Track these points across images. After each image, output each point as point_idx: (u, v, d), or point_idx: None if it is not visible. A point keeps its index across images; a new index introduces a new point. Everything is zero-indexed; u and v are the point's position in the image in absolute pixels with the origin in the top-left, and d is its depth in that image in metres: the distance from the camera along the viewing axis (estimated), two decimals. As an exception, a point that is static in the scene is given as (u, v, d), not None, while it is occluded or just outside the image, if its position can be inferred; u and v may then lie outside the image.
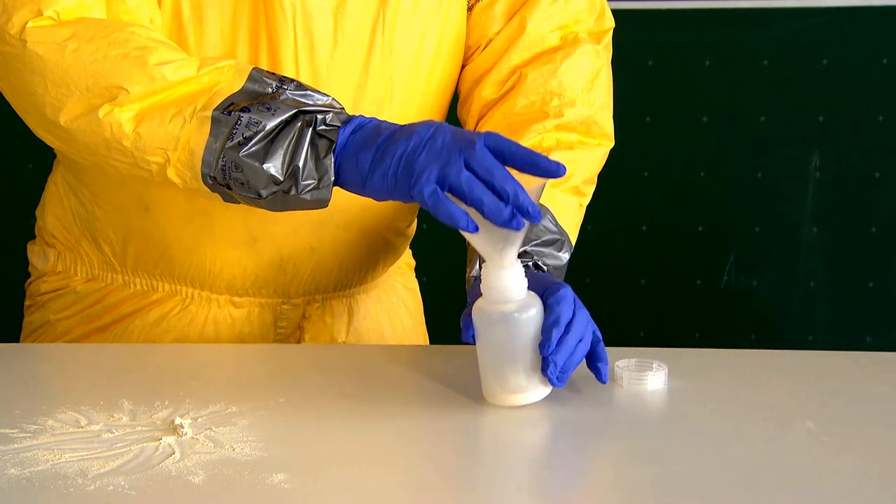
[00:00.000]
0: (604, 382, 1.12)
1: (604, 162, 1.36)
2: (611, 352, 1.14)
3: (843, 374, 1.20)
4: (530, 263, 1.22)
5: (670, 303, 2.76)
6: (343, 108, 1.10)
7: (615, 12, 1.38)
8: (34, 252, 1.45)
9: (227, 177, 1.08)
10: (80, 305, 1.40)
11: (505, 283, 1.06)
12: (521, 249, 1.21)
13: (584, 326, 1.10)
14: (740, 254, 2.73)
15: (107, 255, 1.37)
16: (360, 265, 1.40)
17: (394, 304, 1.50)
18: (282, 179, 1.07)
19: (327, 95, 1.10)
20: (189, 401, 1.07)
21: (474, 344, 1.09)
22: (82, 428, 1.01)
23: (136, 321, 1.37)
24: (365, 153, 1.06)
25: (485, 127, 1.32)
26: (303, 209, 1.09)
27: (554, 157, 1.25)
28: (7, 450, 0.96)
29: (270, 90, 1.09)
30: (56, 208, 1.41)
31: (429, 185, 1.02)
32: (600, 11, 1.36)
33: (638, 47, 2.65)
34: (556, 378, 1.07)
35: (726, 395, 1.13)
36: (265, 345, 1.36)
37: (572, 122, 1.31)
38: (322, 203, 1.08)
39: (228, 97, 1.08)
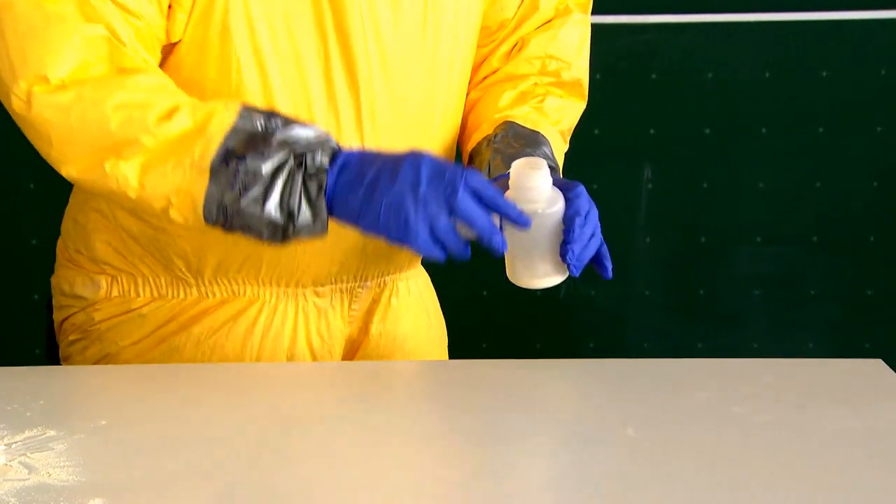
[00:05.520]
0: (607, 278, 1.25)
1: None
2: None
3: (669, 380, 1.23)
4: None
5: (515, 315, 2.78)
6: (329, 138, 1.17)
7: None
8: (76, 282, 1.38)
9: (229, 222, 1.17)
10: (148, 328, 1.35)
11: (535, 183, 1.18)
12: None
13: (596, 223, 1.23)
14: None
15: (178, 271, 1.33)
16: None
17: (423, 297, 1.50)
18: (280, 222, 1.15)
19: (312, 127, 1.17)
20: (3, 425, 1.04)
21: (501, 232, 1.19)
22: None
23: (215, 333, 1.35)
24: (353, 197, 1.16)
25: (490, 86, 1.43)
26: (304, 242, 1.21)
27: (548, 102, 1.41)
28: None
29: (260, 127, 1.16)
30: (105, 234, 1.36)
31: (425, 244, 1.14)
32: None
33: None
34: (573, 266, 1.20)
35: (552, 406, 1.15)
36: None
37: (566, 82, 1.44)
38: (320, 236, 1.18)
39: (223, 143, 1.15)
